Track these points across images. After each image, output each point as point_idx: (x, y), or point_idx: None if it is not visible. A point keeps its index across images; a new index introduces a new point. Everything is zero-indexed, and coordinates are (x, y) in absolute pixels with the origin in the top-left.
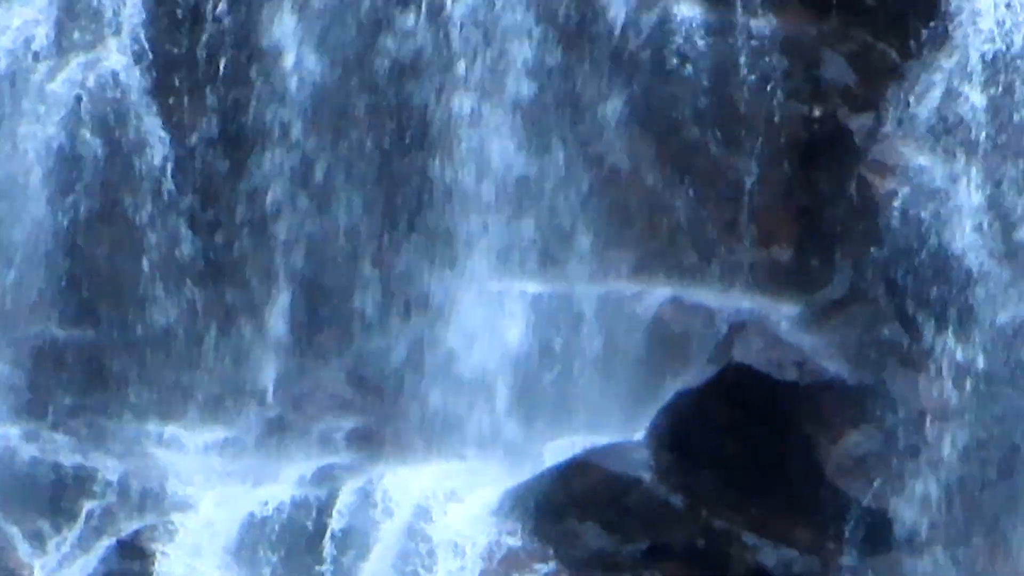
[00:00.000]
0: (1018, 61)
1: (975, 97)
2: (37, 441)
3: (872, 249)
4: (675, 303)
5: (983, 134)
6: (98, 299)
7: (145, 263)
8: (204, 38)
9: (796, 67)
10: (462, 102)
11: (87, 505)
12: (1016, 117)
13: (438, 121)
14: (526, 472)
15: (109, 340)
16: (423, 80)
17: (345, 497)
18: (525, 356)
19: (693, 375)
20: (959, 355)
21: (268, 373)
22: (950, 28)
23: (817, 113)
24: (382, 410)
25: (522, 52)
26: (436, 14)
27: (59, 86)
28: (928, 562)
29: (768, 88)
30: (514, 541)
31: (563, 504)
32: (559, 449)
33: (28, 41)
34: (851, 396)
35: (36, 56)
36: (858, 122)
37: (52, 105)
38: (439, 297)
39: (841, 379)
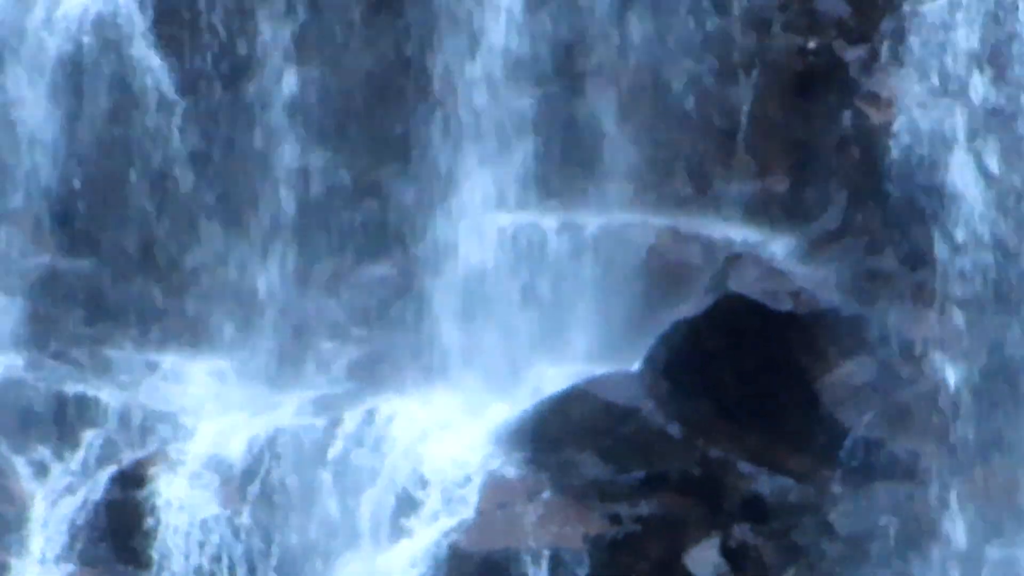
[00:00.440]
0: None
1: (969, 29)
2: (40, 370)
3: (867, 180)
4: (672, 233)
5: (975, 66)
6: (98, 229)
7: (147, 196)
8: None
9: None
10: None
11: (88, 434)
12: (1011, 48)
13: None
14: (524, 402)
15: (109, 270)
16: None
17: (346, 426)
18: (522, 287)
19: (690, 305)
20: (953, 286)
21: (269, 304)
22: None
23: (812, 45)
24: (382, 340)
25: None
26: None
27: (62, 17)
28: (924, 491)
29: (763, 20)
30: (512, 470)
31: (560, 433)
32: (557, 378)
33: None
34: (846, 326)
35: None
36: (853, 54)
37: (56, 33)
38: (436, 228)
39: (836, 310)
